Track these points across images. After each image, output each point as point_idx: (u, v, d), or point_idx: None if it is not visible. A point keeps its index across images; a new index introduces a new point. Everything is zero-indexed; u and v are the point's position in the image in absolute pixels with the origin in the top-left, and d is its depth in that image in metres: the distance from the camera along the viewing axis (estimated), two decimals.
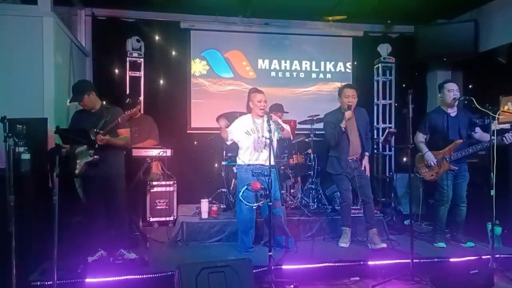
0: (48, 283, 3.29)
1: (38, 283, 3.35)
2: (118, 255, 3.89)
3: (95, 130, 3.67)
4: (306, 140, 5.51)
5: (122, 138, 3.88)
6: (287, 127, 4.25)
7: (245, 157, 4.24)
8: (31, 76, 4.40)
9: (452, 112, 4.46)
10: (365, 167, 4.51)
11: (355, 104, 4.43)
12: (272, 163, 3.69)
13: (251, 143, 4.20)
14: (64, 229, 3.43)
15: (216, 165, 5.87)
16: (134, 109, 4.01)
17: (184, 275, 3.08)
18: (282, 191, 4.29)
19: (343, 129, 4.34)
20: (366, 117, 4.63)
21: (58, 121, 4.43)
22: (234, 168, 4.49)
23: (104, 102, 4.08)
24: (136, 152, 4.63)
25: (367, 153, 4.55)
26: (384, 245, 4.32)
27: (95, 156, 3.70)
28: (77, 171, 3.75)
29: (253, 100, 4.22)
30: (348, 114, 4.31)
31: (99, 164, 3.74)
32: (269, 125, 3.77)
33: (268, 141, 3.75)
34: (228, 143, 4.40)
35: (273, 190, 3.77)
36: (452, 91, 4.39)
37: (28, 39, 4.43)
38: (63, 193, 3.28)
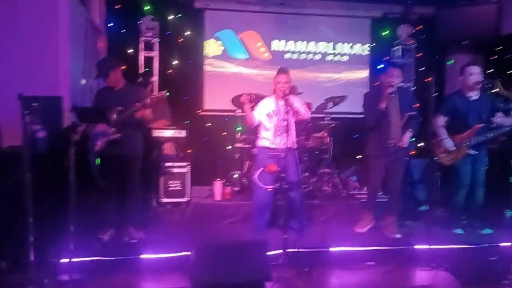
0: (64, 261, 3.31)
1: (55, 260, 3.38)
2: (127, 234, 3.91)
3: (120, 108, 3.66)
4: (323, 122, 5.42)
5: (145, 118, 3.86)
6: (305, 112, 4.13)
7: (265, 140, 4.17)
8: (46, 54, 4.35)
9: (474, 95, 4.33)
10: (402, 141, 4.17)
11: (398, 83, 4.17)
12: (290, 145, 3.63)
13: (272, 126, 4.12)
14: (80, 207, 3.44)
15: (229, 147, 5.83)
16: (161, 93, 3.89)
17: (199, 255, 3.08)
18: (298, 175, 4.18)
19: (382, 110, 4.06)
20: (411, 96, 4.32)
21: (74, 99, 4.41)
22: (255, 150, 4.43)
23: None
24: (152, 132, 4.61)
25: (410, 130, 4.23)
26: (399, 235, 4.24)
27: (119, 134, 3.69)
28: (98, 148, 3.75)
29: (274, 81, 4.11)
30: (387, 93, 4.02)
31: (118, 144, 3.73)
32: (287, 106, 3.71)
33: (285, 123, 3.69)
34: (255, 124, 4.26)
35: (289, 173, 3.72)
36: (474, 74, 4.25)
37: (42, 16, 4.37)
38: (78, 171, 3.27)
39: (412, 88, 6.50)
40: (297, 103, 4.08)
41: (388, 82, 4.10)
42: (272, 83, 4.16)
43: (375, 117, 4.13)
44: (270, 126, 4.12)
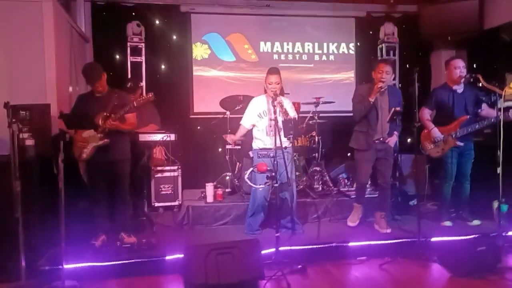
0: (57, 267, 3.30)
1: (47, 268, 3.37)
2: (118, 239, 3.90)
3: (105, 114, 3.65)
4: (311, 122, 5.46)
5: (129, 124, 3.87)
6: (293, 113, 4.18)
7: (259, 142, 4.21)
8: (33, 62, 4.35)
9: (458, 88, 4.41)
10: (388, 142, 4.24)
11: (389, 80, 4.23)
12: (279, 145, 3.67)
13: (264, 126, 4.16)
14: (70, 214, 3.43)
15: (220, 149, 5.86)
16: (148, 95, 3.92)
17: (192, 256, 3.09)
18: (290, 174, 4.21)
19: (371, 103, 4.10)
20: (400, 97, 4.36)
21: (61, 106, 4.39)
22: (250, 153, 4.45)
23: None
24: (140, 137, 4.62)
25: (396, 132, 4.34)
26: (389, 230, 4.29)
27: (106, 140, 3.69)
28: (85, 155, 3.73)
29: (266, 81, 4.16)
30: (377, 88, 4.06)
31: (105, 149, 3.73)
32: (274, 106, 3.75)
33: (273, 123, 3.72)
34: (248, 127, 4.31)
35: (279, 173, 3.75)
36: (459, 68, 4.33)
37: (28, 25, 4.37)
38: (68, 178, 3.27)
39: (396, 84, 6.59)
40: (286, 104, 4.13)
41: (378, 78, 4.13)
42: (263, 83, 4.21)
43: (363, 109, 4.16)
44: (263, 126, 4.16)
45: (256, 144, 4.26)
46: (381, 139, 4.22)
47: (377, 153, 4.25)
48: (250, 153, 4.49)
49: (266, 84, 4.14)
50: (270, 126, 4.04)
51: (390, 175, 4.41)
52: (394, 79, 6.58)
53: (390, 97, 4.24)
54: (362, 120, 4.24)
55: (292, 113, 4.14)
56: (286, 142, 4.00)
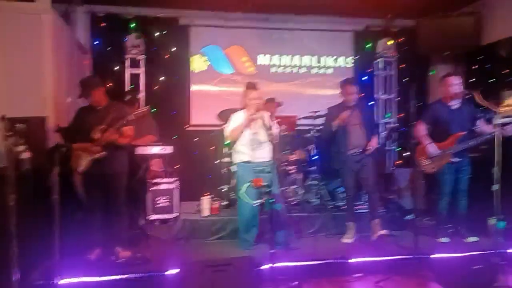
0: (50, 282, 3.27)
1: (40, 282, 3.34)
2: (113, 253, 3.87)
3: (102, 127, 3.65)
4: (308, 135, 5.47)
5: (126, 136, 3.86)
6: (275, 127, 4.20)
7: (241, 155, 4.21)
8: (31, 75, 4.36)
9: (454, 105, 4.42)
10: (370, 148, 4.43)
11: (355, 99, 4.47)
12: (269, 159, 3.68)
13: (246, 140, 4.16)
14: (65, 227, 3.41)
15: (216, 161, 5.85)
16: (144, 109, 3.93)
17: (186, 273, 3.07)
18: (282, 188, 4.24)
19: (335, 127, 4.38)
20: (372, 111, 4.60)
21: (58, 119, 4.40)
22: (234, 167, 4.45)
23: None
24: (137, 150, 4.62)
25: (374, 136, 4.52)
26: (385, 231, 4.31)
27: (103, 153, 3.68)
28: (82, 168, 3.73)
29: (246, 97, 4.18)
30: (343, 116, 4.34)
31: (103, 161, 3.72)
32: (267, 122, 3.76)
33: (261, 138, 3.74)
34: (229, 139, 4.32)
35: (272, 187, 3.74)
36: (454, 85, 4.34)
37: (27, 37, 4.39)
38: (63, 191, 3.26)
39: (394, 98, 6.62)
40: (268, 119, 4.14)
41: (347, 99, 4.45)
42: (244, 99, 4.22)
43: (324, 132, 4.51)
44: (244, 140, 4.15)
45: (239, 158, 4.25)
46: (360, 151, 4.42)
47: (356, 165, 4.44)
48: (234, 167, 4.46)
49: (247, 100, 4.16)
50: (254, 140, 4.05)
51: (373, 180, 4.52)
52: (391, 93, 6.64)
53: (361, 112, 4.48)
54: (333, 141, 4.50)
55: (275, 128, 4.15)
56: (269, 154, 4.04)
